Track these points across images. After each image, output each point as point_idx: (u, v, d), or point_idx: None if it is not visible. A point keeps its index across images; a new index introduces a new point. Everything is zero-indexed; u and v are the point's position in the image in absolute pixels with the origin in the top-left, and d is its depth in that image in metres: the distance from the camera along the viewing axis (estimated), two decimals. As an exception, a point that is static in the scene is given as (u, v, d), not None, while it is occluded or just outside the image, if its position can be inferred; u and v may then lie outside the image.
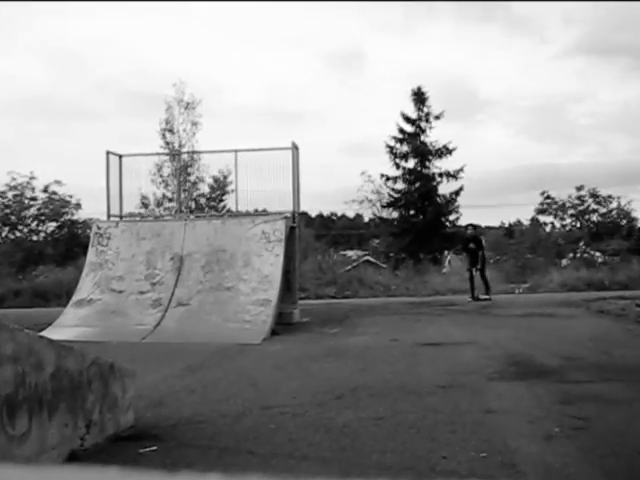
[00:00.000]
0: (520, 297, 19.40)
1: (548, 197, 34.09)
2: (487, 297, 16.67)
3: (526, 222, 37.99)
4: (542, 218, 35.46)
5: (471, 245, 17.20)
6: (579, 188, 33.67)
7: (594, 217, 34.25)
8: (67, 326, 11.86)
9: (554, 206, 34.09)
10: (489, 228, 52.97)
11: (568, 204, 33.91)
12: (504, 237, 39.17)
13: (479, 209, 74.72)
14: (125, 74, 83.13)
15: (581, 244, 32.39)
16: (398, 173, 35.35)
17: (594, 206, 34.14)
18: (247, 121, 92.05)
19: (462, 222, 35.88)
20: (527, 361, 7.76)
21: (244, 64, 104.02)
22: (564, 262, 30.14)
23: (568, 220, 34.35)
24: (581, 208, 33.85)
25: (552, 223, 35.05)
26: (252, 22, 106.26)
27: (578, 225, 34.11)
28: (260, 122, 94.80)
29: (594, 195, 33.81)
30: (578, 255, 31.31)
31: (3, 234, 29.81)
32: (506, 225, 46.50)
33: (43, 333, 9.48)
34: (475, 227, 19.07)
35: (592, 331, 10.37)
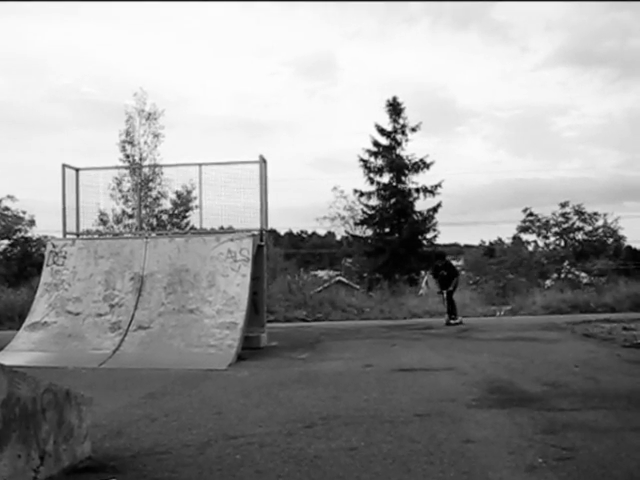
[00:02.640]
0: (501, 320, 19.55)
1: (531, 214, 34.51)
2: (457, 321, 16.97)
3: (507, 240, 38.44)
4: (524, 236, 35.88)
5: (442, 272, 17.38)
6: (563, 205, 34.13)
7: (579, 235, 34.73)
8: (20, 350, 11.74)
9: (537, 224, 34.49)
10: (468, 247, 53.57)
11: (552, 222, 34.34)
12: (484, 256, 39.56)
13: (458, 227, 75.60)
14: (83, 82, 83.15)
15: (565, 264, 32.77)
16: (372, 188, 35.65)
17: (579, 224, 34.61)
18: (212, 133, 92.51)
19: (440, 240, 36.31)
20: (508, 388, 7.84)
21: (209, 73, 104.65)
22: (548, 283, 30.45)
23: (552, 238, 34.78)
24: (565, 226, 34.28)
25: (535, 242, 35.48)
26: (217, 29, 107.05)
27: (562, 244, 34.53)
28: (226, 134, 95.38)
29: (579, 212, 34.28)
30: (562, 275, 31.67)
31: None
32: (486, 244, 46.91)
33: (-8, 359, 9.39)
34: (444, 256, 19.24)
35: (577, 356, 10.50)
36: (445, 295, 17.21)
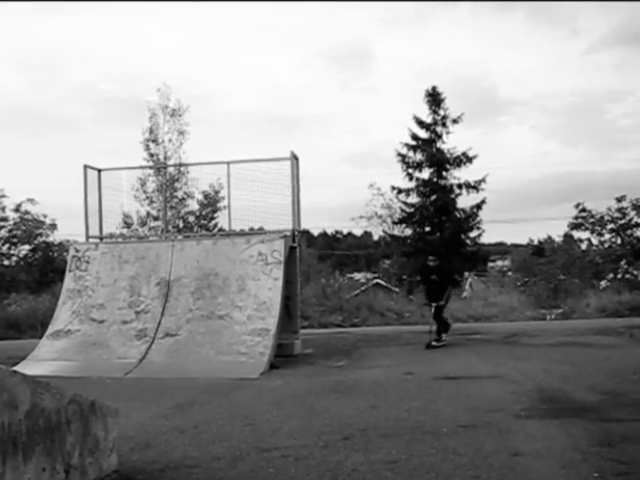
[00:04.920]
0: (552, 324, 19.41)
1: (583, 210, 33.94)
2: (442, 343, 13.93)
3: (558, 239, 37.94)
4: (577, 234, 35.30)
5: (433, 277, 14.35)
6: (620, 199, 33.47)
7: (638, 232, 34.11)
8: (43, 360, 11.95)
9: (591, 220, 33.93)
10: (515, 246, 53.10)
11: (607, 217, 33.77)
12: (532, 256, 39.15)
13: (504, 224, 74.80)
14: (104, 79, 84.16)
15: (622, 263, 32.25)
16: (411, 185, 35.38)
17: (637, 219, 33.99)
18: (240, 129, 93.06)
19: (485, 239, 35.93)
20: (561, 397, 7.80)
21: (236, 66, 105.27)
22: (603, 284, 30.08)
23: (607, 236, 34.16)
24: (622, 222, 33.67)
25: (589, 239, 34.89)
26: (244, 20, 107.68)
27: (619, 241, 33.96)
28: (255, 130, 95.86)
29: (638, 207, 33.67)
30: (619, 276, 31.22)
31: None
32: (535, 242, 46.46)
33: (16, 368, 9.54)
34: (436, 254, 16.23)
35: (636, 362, 10.40)
36: (433, 310, 14.16)
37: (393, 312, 22.76)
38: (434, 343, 13.80)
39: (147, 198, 28.20)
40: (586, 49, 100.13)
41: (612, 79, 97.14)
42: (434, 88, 35.38)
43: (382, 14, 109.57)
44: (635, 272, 31.21)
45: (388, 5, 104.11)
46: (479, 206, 34.87)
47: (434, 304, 14.08)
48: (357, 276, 42.92)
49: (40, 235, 30.56)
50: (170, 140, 29.41)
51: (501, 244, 61.31)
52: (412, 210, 35.53)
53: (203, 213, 29.55)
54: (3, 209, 29.92)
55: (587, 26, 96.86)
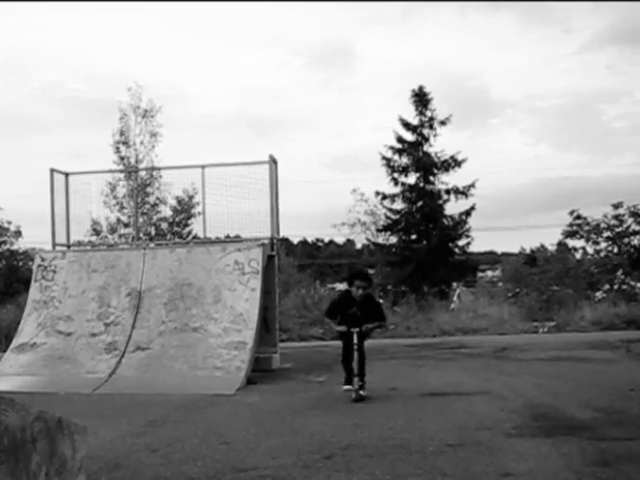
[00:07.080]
0: (545, 337, 19.49)
1: (578, 217, 34.02)
2: (353, 388, 9.41)
3: (551, 247, 38.02)
4: (571, 242, 35.38)
5: (354, 310, 9.62)
6: (616, 206, 33.58)
7: (635, 240, 34.24)
8: (7, 375, 11.89)
9: (586, 228, 34.00)
10: (506, 255, 53.25)
11: (603, 225, 33.88)
12: (524, 266, 39.24)
13: (494, 232, 75.13)
14: (71, 78, 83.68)
15: (619, 273, 32.37)
16: (396, 190, 35.53)
17: (635, 227, 34.11)
18: (216, 132, 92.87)
19: (474, 248, 35.99)
20: (553, 414, 7.84)
21: (210, 66, 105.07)
22: (598, 295, 30.18)
23: (603, 244, 34.27)
24: (619, 230, 33.79)
25: (583, 248, 34.99)
26: (217, 17, 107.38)
27: (615, 250, 34.10)
28: (231, 133, 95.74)
29: (635, 214, 33.79)
30: (615, 287, 31.34)
31: None
32: (527, 251, 46.64)
33: (-25, 384, 9.53)
34: (368, 279, 10.26)
35: (633, 378, 10.43)
36: (356, 338, 9.45)
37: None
38: (362, 392, 9.32)
39: (117, 204, 28.13)
40: (578, 48, 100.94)
41: (606, 79, 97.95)
42: (421, 88, 35.59)
43: (365, 11, 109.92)
44: (632, 283, 31.33)
45: (372, 2, 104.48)
46: (468, 213, 35.06)
47: (355, 330, 9.49)
48: (339, 287, 42.80)
49: (4, 243, 30.45)
50: (142, 142, 29.40)
51: (491, 253, 61.63)
52: (397, 217, 35.65)
53: (176, 220, 29.49)
54: (-35, 216, 29.80)
55: (579, 25, 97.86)
